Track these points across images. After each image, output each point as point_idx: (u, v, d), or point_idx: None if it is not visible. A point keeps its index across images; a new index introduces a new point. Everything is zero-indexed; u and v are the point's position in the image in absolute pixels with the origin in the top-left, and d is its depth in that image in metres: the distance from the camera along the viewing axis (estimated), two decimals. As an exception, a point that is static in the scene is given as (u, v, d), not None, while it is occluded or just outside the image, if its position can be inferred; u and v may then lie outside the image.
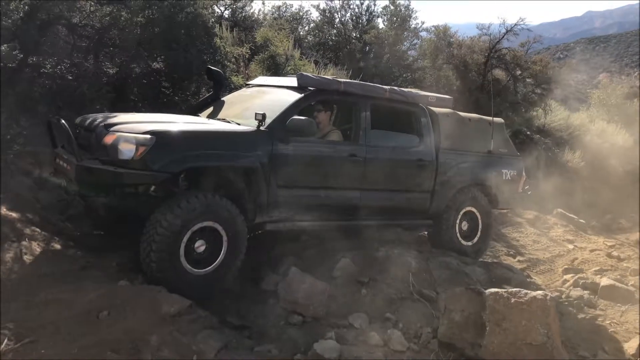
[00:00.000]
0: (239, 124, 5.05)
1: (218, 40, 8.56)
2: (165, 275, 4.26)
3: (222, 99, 6.08)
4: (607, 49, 60.68)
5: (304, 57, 10.65)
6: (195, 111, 5.97)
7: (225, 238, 4.57)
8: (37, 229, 4.75)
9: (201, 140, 4.57)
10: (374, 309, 4.84)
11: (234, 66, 8.96)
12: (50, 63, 6.78)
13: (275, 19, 13.45)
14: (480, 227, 6.78)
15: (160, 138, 4.26)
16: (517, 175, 7.12)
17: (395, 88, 6.12)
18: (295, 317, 4.58)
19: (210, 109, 5.89)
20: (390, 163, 5.78)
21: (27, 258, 4.29)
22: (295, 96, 5.26)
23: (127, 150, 4.19)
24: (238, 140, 4.73)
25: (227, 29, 9.90)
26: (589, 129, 16.36)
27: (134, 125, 4.43)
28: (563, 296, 6.62)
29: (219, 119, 5.31)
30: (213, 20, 9.15)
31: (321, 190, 5.28)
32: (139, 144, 4.19)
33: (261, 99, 5.64)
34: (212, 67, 6.33)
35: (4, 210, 4.76)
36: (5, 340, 3.28)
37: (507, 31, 14.93)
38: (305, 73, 5.64)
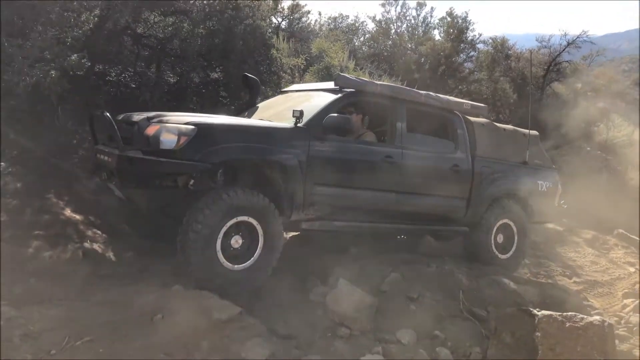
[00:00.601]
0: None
1: (274, 52, 8.71)
2: (201, 269, 4.33)
3: (257, 105, 6.17)
4: (676, 62, 57.84)
5: (358, 68, 10.67)
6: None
7: (261, 234, 4.62)
8: (98, 231, 4.97)
9: (241, 134, 4.63)
10: (423, 325, 4.78)
11: (289, 77, 9.08)
12: (115, 71, 7.08)
13: (331, 30, 13.57)
14: (515, 240, 6.63)
15: (201, 129, 4.34)
16: (553, 187, 6.99)
17: (431, 93, 6.10)
18: (342, 330, 4.58)
19: (246, 114, 5.97)
20: (425, 167, 5.74)
21: (88, 259, 4.48)
22: (332, 96, 5.31)
23: (168, 140, 4.27)
24: (276, 135, 4.79)
25: (283, 40, 10.06)
26: (655, 145, 15.63)
27: (176, 117, 4.52)
28: (622, 322, 6.35)
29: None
30: (270, 31, 9.32)
31: (356, 191, 5.27)
32: (180, 134, 4.26)
33: (297, 102, 5.67)
34: (249, 75, 6.43)
35: (69, 212, 4.99)
36: (67, 338, 3.45)
37: (569, 44, 14.52)
38: (343, 74, 5.68)
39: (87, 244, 4.67)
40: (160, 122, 4.42)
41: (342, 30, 13.92)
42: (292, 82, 8.49)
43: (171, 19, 7.35)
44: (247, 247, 4.59)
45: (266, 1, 10.26)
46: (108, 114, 4.58)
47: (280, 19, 12.33)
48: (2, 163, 5.04)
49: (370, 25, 15.84)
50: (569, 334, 4.11)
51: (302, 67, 9.67)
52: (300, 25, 12.55)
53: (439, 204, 5.93)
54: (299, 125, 4.85)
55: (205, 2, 7.71)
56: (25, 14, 5.72)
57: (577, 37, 14.68)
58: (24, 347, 3.29)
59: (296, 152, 4.80)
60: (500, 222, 6.46)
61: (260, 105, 6.16)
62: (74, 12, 6.11)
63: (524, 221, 6.73)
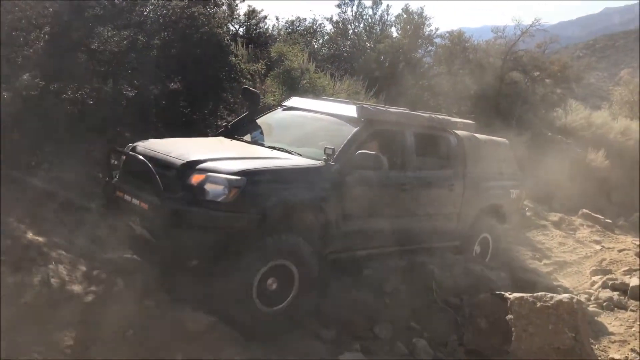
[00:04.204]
0: (300, 154, 5.02)
1: (233, 58, 8.66)
2: (238, 314, 4.22)
3: (256, 121, 6.03)
4: (627, 45, 59.67)
5: (319, 69, 10.70)
6: (231, 133, 5.87)
7: (297, 275, 4.52)
8: (63, 252, 4.83)
9: (282, 176, 4.56)
10: (399, 318, 4.83)
11: (250, 82, 9.04)
12: (71, 89, 6.93)
13: (289, 33, 13.55)
14: (490, 249, 6.83)
15: (250, 178, 4.23)
16: (520, 192, 7.27)
17: (432, 115, 6.28)
18: (328, 333, 4.57)
19: (250, 133, 5.80)
20: (431, 189, 5.91)
21: (54, 281, 4.37)
22: (353, 128, 5.25)
23: (217, 191, 4.14)
24: (313, 175, 4.73)
25: (242, 46, 10.02)
26: (611, 127, 16.12)
27: (219, 164, 4.34)
28: (592, 298, 6.52)
29: (273, 147, 5.21)
30: (228, 38, 9.26)
31: (378, 219, 5.32)
32: (231, 185, 4.14)
33: (313, 127, 5.65)
34: (250, 88, 6.30)
35: (31, 235, 4.86)
36: (36, 363, 3.36)
37: (523, 33, 14.86)
38: (364, 105, 5.66)
39: (52, 266, 4.54)
40: (206, 170, 4.25)
41: (300, 34, 13.89)
42: (254, 87, 8.44)
43: (125, 32, 7.23)
44: (283, 287, 4.48)
45: (221, 8, 10.21)
46: (144, 158, 4.39)
47: (237, 26, 12.29)
48: None
49: (328, 27, 15.89)
50: (541, 314, 4.20)
51: (262, 72, 9.64)
52: (258, 31, 12.51)
53: (440, 221, 6.08)
54: (330, 163, 4.81)
55: (159, 13, 7.61)
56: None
57: (530, 25, 15.04)
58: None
59: (328, 189, 4.76)
60: (481, 236, 6.65)
61: (262, 122, 5.98)
62: (23, 31, 5.97)
63: (499, 231, 6.96)
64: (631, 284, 6.57)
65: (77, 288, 4.43)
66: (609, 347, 5.19)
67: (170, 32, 7.50)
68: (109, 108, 6.76)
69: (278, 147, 5.19)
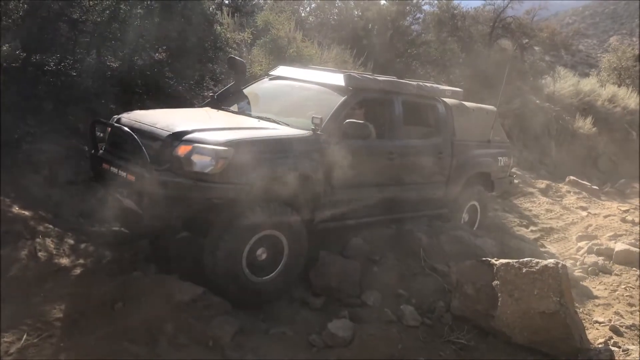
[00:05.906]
0: (287, 124, 4.98)
1: (218, 27, 8.52)
2: (228, 284, 4.24)
3: (243, 91, 5.96)
4: (616, 11, 59.39)
5: (306, 38, 10.55)
6: (217, 103, 5.79)
7: (286, 245, 4.55)
8: (50, 226, 4.82)
9: (272, 147, 4.52)
10: (387, 286, 4.87)
11: (236, 52, 8.91)
12: (53, 60, 6.80)
13: (275, 1, 13.31)
14: (478, 217, 6.87)
15: (237, 149, 4.20)
16: (508, 160, 7.30)
17: (420, 83, 6.23)
18: (316, 300, 4.62)
19: (236, 104, 5.76)
20: (420, 157, 5.90)
21: (41, 255, 4.36)
22: (341, 97, 5.21)
23: (205, 163, 4.11)
24: (301, 145, 4.70)
25: (227, 15, 9.84)
26: (599, 94, 16.15)
27: (206, 135, 4.30)
28: (578, 263, 6.62)
29: (260, 118, 5.16)
30: (213, 7, 9.08)
31: (367, 188, 5.34)
32: (219, 157, 4.11)
33: (300, 96, 5.59)
34: (236, 57, 6.20)
35: (17, 209, 4.83)
36: (25, 336, 3.37)
37: (511, -1, 14.76)
38: (351, 73, 5.55)
39: (39, 240, 4.52)
40: (193, 141, 4.19)
41: (286, 2, 13.65)
42: (240, 57, 8.32)
43: (107, 1, 7.08)
44: (273, 257, 4.51)
45: (206, -24, 9.99)
46: (129, 129, 4.33)
47: (222, -6, 12.03)
48: None
49: (316, -6, 15.58)
50: (526, 279, 4.25)
51: (248, 41, 9.50)
52: (243, -1, 12.27)
53: (429, 189, 6.11)
54: (317, 132, 4.79)
55: (141, -19, 7.43)
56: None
57: (519, -9, 14.92)
58: (-21, 349, 3.20)
59: (316, 158, 4.74)
60: (469, 204, 6.68)
61: (248, 92, 5.92)
62: (1, 0, 5.82)
63: (486, 199, 7.02)
64: (616, 249, 6.66)
65: (65, 261, 4.44)
66: (594, 311, 5.30)
67: (153, 0, 7.34)
68: (92, 79, 6.65)
69: (265, 117, 5.14)
